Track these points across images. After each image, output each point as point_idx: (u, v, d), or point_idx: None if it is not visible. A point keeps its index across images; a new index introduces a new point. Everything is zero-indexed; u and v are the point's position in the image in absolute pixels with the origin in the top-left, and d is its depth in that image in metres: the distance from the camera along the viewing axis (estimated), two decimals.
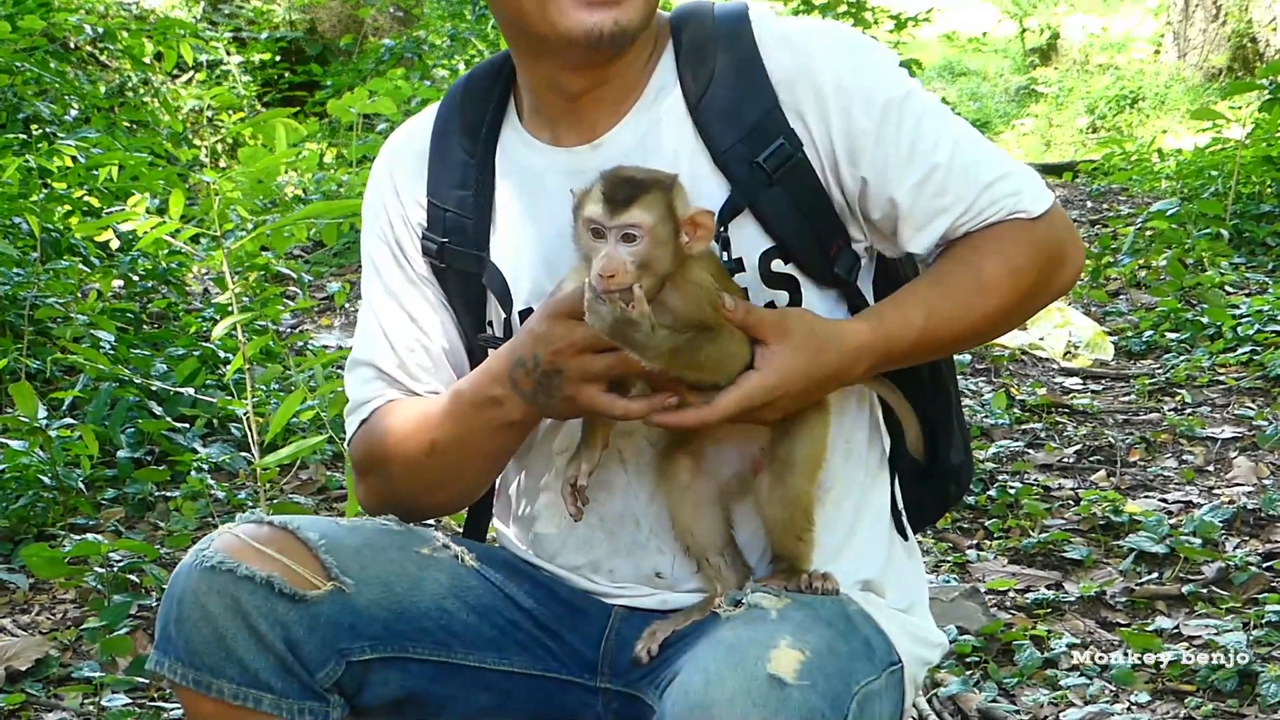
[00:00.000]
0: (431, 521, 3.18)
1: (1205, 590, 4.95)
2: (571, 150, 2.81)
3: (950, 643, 4.55)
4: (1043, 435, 6.67)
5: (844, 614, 2.66)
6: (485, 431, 2.73)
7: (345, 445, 3.04)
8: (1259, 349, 7.64)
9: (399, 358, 2.92)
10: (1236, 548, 5.29)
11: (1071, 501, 5.81)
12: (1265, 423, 6.58)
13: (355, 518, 2.95)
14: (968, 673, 4.48)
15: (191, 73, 13.73)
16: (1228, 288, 8.98)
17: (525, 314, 2.78)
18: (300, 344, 7.58)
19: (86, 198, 8.43)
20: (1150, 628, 4.71)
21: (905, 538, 3.00)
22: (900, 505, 3.00)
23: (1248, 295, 8.73)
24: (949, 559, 5.32)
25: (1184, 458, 6.34)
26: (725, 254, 2.69)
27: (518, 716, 2.85)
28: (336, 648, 2.69)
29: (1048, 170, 15.06)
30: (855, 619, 2.68)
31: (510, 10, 2.71)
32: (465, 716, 2.84)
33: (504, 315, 2.85)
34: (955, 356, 3.08)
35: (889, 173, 2.71)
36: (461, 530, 3.17)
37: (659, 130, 2.75)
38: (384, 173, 3.00)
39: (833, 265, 2.76)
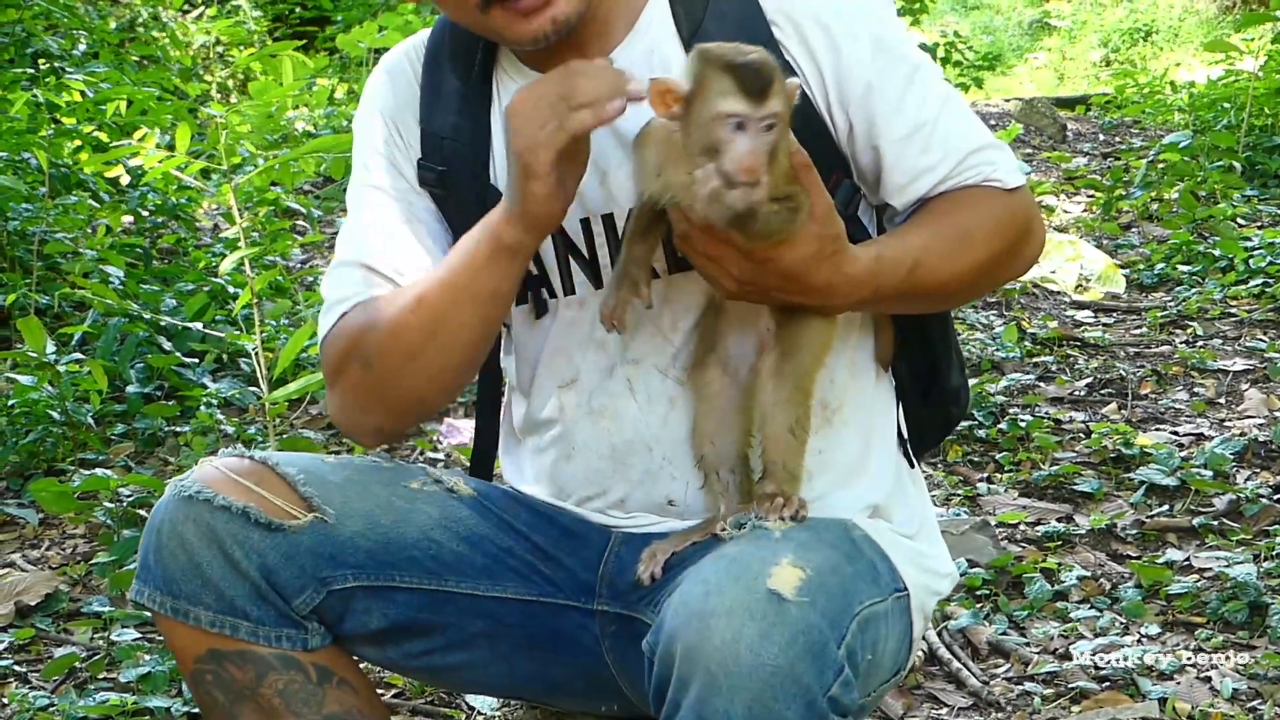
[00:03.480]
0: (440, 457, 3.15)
1: (1216, 522, 4.95)
2: None
3: (960, 575, 4.56)
4: (1054, 368, 6.65)
5: (849, 538, 2.65)
6: (478, 264, 2.65)
7: (318, 345, 2.90)
8: (1271, 281, 7.62)
9: (393, 258, 2.83)
10: (1247, 480, 5.28)
11: (1082, 434, 5.80)
12: (1277, 355, 6.56)
13: (342, 456, 2.93)
14: (978, 606, 4.49)
15: (202, 8, 13.68)
16: (1240, 220, 8.96)
17: None
18: (310, 279, 7.57)
19: (95, 133, 8.40)
20: (1161, 560, 4.71)
21: (911, 465, 3.00)
22: (905, 434, 2.99)
23: (1260, 227, 8.71)
24: (959, 492, 5.31)
25: (1195, 390, 6.33)
26: None
27: (513, 642, 2.86)
28: (316, 576, 2.71)
29: (1061, 104, 14.99)
30: (860, 544, 2.67)
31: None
32: (459, 643, 2.84)
33: None
34: None
35: (876, 121, 2.70)
36: (468, 468, 3.16)
37: (651, 61, 2.71)
38: (377, 95, 2.96)
39: (831, 197, 2.73)
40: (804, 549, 2.45)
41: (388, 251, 2.83)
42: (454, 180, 2.84)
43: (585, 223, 2.77)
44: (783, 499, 2.61)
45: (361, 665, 2.94)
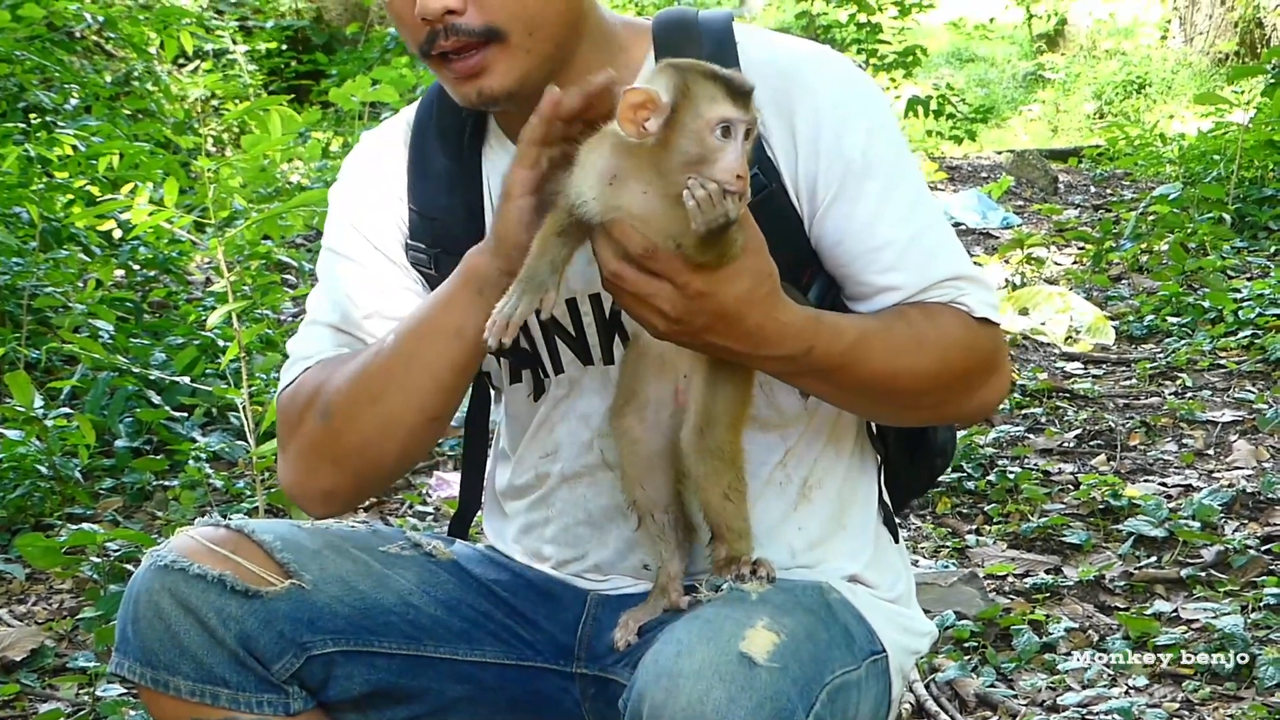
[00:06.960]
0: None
1: (1204, 574, 4.94)
2: None
3: (948, 628, 4.56)
4: (1043, 420, 6.66)
5: (824, 602, 2.63)
6: (444, 298, 2.63)
7: (276, 401, 2.86)
8: (1260, 333, 7.64)
9: (366, 321, 2.81)
10: (1235, 531, 5.28)
11: (1071, 486, 5.80)
12: (1265, 406, 6.57)
13: (318, 522, 2.91)
14: (966, 658, 4.48)
15: (197, 62, 13.71)
16: (1229, 271, 8.99)
17: None
18: None
19: (87, 187, 8.41)
20: (1149, 611, 4.70)
21: (895, 538, 2.97)
22: (889, 506, 2.98)
23: (1249, 279, 8.74)
24: (948, 544, 5.31)
25: (1184, 441, 6.33)
26: None
27: (494, 705, 2.84)
28: (296, 641, 2.69)
29: (1053, 156, 15.05)
30: (835, 607, 2.65)
31: None
32: (440, 707, 2.83)
33: None
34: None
35: (843, 238, 2.65)
36: (447, 529, 3.15)
37: None
38: (358, 174, 2.93)
39: (805, 292, 2.68)
40: (780, 612, 2.44)
41: (362, 313, 2.83)
42: (449, 262, 2.75)
43: (572, 303, 2.75)
44: (749, 564, 2.58)
45: None
